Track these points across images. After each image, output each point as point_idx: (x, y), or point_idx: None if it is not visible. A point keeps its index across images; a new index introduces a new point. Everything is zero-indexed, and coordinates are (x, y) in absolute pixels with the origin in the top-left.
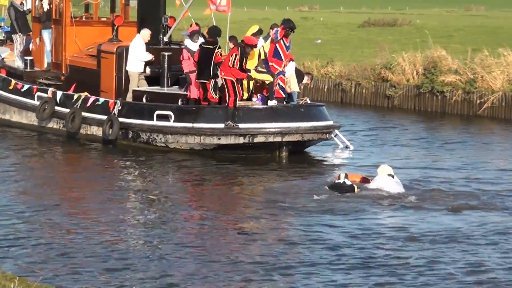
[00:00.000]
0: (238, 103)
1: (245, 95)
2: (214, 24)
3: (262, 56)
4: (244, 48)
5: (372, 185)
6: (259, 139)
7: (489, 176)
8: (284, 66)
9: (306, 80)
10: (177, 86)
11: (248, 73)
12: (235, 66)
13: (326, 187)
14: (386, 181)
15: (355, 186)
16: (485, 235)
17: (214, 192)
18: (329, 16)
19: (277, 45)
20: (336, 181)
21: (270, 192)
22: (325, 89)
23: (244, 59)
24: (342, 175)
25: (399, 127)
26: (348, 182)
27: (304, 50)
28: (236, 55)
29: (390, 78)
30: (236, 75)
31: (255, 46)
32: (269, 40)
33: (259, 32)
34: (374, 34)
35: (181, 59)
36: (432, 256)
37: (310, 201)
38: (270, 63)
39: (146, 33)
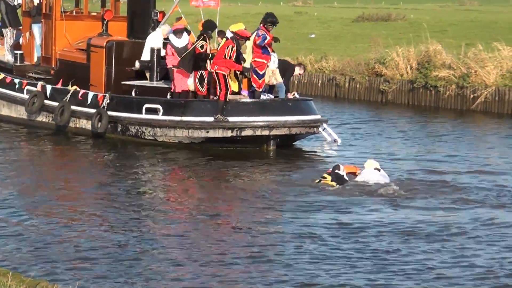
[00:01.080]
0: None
1: (236, 88)
2: (204, 19)
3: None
4: (239, 41)
5: (358, 178)
6: (247, 132)
7: (481, 170)
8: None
9: (298, 71)
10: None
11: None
12: (231, 58)
13: (326, 174)
14: (372, 174)
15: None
16: (476, 229)
17: (201, 186)
18: (323, 11)
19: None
20: (336, 171)
21: (257, 186)
22: (319, 84)
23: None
24: (342, 167)
25: (391, 121)
26: (342, 173)
27: (298, 44)
28: (232, 46)
29: (384, 73)
30: (231, 67)
31: (249, 38)
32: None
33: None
34: (368, 29)
35: (166, 54)
36: (421, 249)
37: (298, 194)
38: (260, 60)
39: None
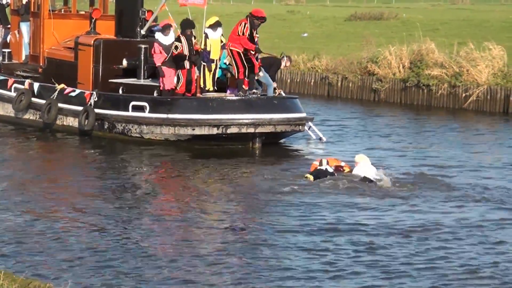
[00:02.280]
0: (211, 94)
1: (210, 87)
2: (191, 18)
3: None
4: (253, 20)
5: (354, 171)
6: (232, 130)
7: (472, 168)
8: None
9: (284, 64)
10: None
11: (257, 46)
12: (244, 34)
13: (308, 175)
14: (368, 169)
15: (335, 173)
16: (465, 227)
17: (186, 184)
18: (316, 10)
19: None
20: (318, 167)
21: (241, 183)
22: (312, 83)
23: (254, 31)
24: (324, 161)
25: (382, 120)
26: (330, 169)
27: (291, 43)
28: (245, 23)
29: (377, 72)
30: (245, 45)
31: (264, 18)
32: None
33: (217, 24)
34: (361, 28)
35: (152, 52)
36: (414, 247)
37: (288, 190)
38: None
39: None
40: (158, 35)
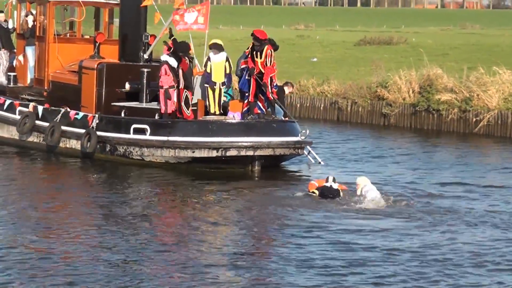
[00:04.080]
0: (211, 117)
1: (216, 110)
2: (192, 43)
3: (227, 71)
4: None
5: (358, 192)
6: (232, 152)
7: (483, 193)
8: None
9: (287, 90)
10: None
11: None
12: (248, 55)
13: (314, 190)
14: (372, 190)
15: (340, 191)
16: (471, 252)
17: (186, 205)
18: (325, 34)
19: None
20: (324, 184)
21: (240, 204)
22: (321, 108)
23: (258, 53)
24: (331, 178)
25: (392, 144)
26: (335, 186)
27: (300, 68)
28: (248, 47)
29: (386, 97)
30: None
31: (265, 40)
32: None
33: (217, 47)
34: (370, 52)
35: (160, 74)
36: (415, 270)
37: (289, 210)
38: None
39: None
40: (166, 57)
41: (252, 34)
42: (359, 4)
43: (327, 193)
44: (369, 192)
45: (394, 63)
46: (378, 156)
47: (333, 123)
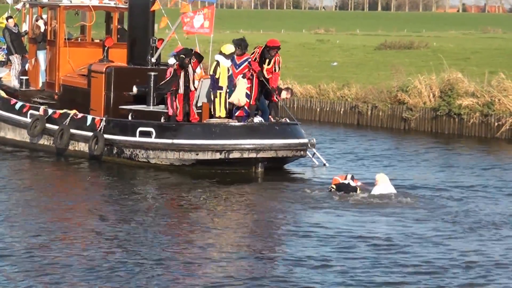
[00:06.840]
0: (215, 120)
1: (222, 114)
2: (198, 47)
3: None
4: (268, 51)
5: (375, 190)
6: (235, 155)
7: (504, 197)
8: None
9: (284, 95)
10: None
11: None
12: (256, 60)
13: (333, 185)
14: (389, 188)
15: (358, 188)
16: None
17: (190, 207)
18: (345, 39)
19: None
20: (342, 181)
21: (245, 205)
22: (341, 112)
23: (266, 60)
24: (349, 176)
25: (411, 149)
26: (353, 184)
27: (320, 72)
28: (257, 50)
29: (407, 101)
30: (254, 67)
31: (277, 47)
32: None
33: (230, 55)
34: (390, 57)
35: (167, 77)
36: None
37: (291, 211)
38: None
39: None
40: (173, 61)
41: (266, 46)
42: (379, 8)
43: (343, 189)
44: (381, 187)
45: (414, 67)
46: (399, 160)
47: (353, 127)
